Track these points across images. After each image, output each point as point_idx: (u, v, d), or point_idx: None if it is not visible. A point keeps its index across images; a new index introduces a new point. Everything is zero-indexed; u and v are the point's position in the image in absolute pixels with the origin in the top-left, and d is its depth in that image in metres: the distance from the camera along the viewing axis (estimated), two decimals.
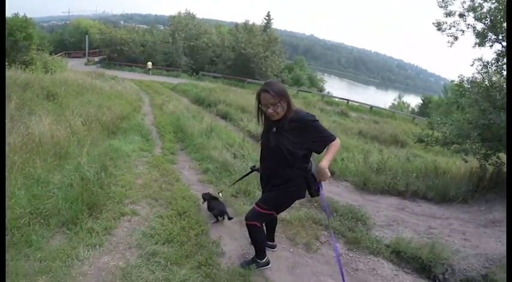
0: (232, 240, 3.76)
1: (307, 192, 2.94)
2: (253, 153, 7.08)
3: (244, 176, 4.08)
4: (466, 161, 7.58)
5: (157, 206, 4.28)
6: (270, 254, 3.52)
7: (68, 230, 3.33)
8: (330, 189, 6.26)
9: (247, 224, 3.01)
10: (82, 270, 2.83)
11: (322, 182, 2.75)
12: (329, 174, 2.59)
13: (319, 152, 2.79)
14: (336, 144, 2.70)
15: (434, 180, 6.97)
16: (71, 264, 2.85)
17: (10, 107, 6.55)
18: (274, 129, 2.79)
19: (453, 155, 9.33)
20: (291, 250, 3.78)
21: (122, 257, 3.11)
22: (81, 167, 4.48)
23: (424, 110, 43.89)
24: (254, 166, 3.66)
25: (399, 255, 3.96)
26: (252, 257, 3.32)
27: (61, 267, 2.76)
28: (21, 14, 19.53)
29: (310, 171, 2.82)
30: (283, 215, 4.38)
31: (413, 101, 59.98)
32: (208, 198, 4.28)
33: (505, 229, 5.15)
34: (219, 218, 4.11)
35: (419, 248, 3.97)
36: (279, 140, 2.74)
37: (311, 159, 2.89)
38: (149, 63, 38.97)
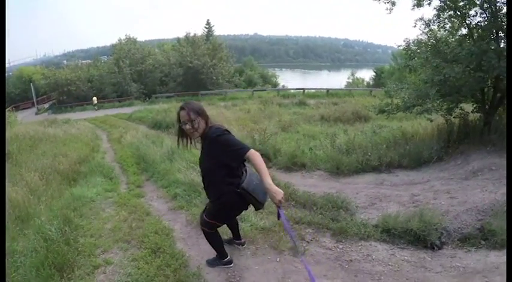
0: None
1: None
2: None
3: None
4: (431, 120, 7.66)
5: (131, 248, 3.96)
6: (256, 269, 3.34)
7: None
8: (304, 182, 6.14)
9: (201, 228, 3.17)
10: None
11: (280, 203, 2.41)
12: (280, 191, 2.37)
13: (236, 166, 2.80)
14: (254, 158, 2.50)
15: (405, 146, 6.99)
16: None
17: None
18: (202, 148, 2.91)
19: (417, 117, 9.44)
20: (278, 259, 3.54)
21: None
22: (41, 227, 4.15)
23: (378, 81, 44.99)
24: None
25: (390, 233, 3.86)
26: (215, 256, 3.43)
27: None
28: None
29: (240, 185, 2.72)
30: (261, 223, 4.22)
31: (367, 74, 61.15)
32: None
33: (487, 177, 5.22)
34: None
35: (408, 220, 3.89)
36: (202, 158, 2.92)
37: (246, 171, 2.85)
38: (94, 99, 37.80)
